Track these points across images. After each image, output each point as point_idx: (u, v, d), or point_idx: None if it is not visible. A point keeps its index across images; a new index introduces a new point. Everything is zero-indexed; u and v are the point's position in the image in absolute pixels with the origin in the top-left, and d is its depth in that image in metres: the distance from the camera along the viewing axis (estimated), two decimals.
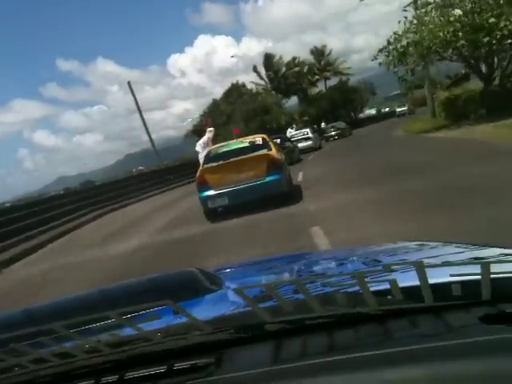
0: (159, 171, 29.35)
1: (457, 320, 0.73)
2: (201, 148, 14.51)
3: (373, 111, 54.92)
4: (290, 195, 9.66)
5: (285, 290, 0.93)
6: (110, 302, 1.10)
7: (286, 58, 61.93)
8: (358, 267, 1.30)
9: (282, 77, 60.24)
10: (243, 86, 56.74)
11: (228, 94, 56.22)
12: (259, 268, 1.67)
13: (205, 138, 14.98)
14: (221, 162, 9.52)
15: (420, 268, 0.69)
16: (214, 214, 9.61)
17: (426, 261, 0.77)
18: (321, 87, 63.75)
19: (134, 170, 30.33)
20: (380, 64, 22.01)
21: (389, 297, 0.77)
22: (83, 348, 0.81)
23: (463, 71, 38.24)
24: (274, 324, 0.80)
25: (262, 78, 60.92)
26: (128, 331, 0.81)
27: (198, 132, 54.71)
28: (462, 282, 0.75)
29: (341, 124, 44.77)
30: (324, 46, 65.03)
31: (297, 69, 60.03)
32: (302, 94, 60.14)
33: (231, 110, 53.24)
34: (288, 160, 14.57)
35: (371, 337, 0.75)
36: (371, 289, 0.75)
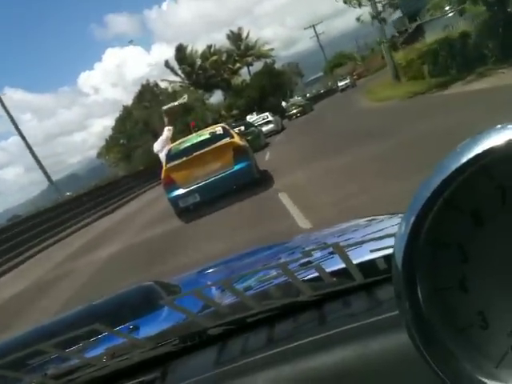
0: (89, 193, 26.26)
1: (386, 294, 0.74)
2: (160, 147, 12.99)
3: (299, 98, 49.97)
4: (259, 182, 9.53)
5: (221, 292, 0.95)
6: (48, 335, 1.08)
7: (201, 49, 54.91)
8: (295, 256, 1.21)
9: (200, 69, 53.33)
10: (156, 85, 49.17)
11: (140, 97, 48.53)
12: (221, 269, 1.65)
13: (163, 137, 13.38)
14: (185, 158, 9.16)
15: (338, 249, 0.72)
16: (186, 212, 9.29)
17: (363, 238, 0.87)
18: (244, 76, 57.14)
19: (59, 197, 27.55)
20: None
21: (322, 282, 0.77)
22: None
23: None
24: (216, 328, 0.82)
25: (177, 73, 53.76)
26: (75, 361, 0.83)
27: (110, 148, 47.22)
28: (386, 257, 0.76)
29: (301, 101, 44.15)
30: (240, 29, 58.65)
31: (214, 57, 53.20)
32: (226, 86, 53.32)
33: (147, 115, 45.75)
34: (256, 145, 17.01)
35: (309, 323, 0.77)
36: (302, 277, 0.79)
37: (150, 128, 44.62)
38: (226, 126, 10.60)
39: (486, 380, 0.46)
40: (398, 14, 52.96)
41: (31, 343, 0.80)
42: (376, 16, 19.58)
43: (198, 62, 54.00)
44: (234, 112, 46.75)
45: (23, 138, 24.42)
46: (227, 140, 9.47)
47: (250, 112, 45.31)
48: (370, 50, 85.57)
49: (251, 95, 50.56)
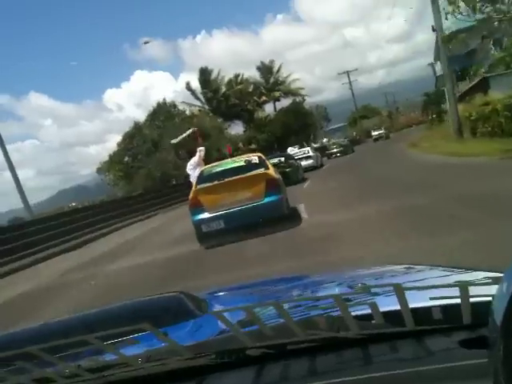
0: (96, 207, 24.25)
1: (437, 344, 0.74)
2: (192, 168, 13.53)
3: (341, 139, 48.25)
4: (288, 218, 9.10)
5: (268, 313, 0.92)
6: (89, 326, 1.10)
7: (228, 76, 51.52)
8: (342, 290, 1.24)
9: (223, 97, 49.77)
10: (174, 106, 45.43)
11: (154, 115, 44.76)
12: (249, 291, 1.65)
13: (195, 158, 13.97)
14: (215, 182, 8.93)
15: (399, 291, 0.71)
16: (208, 238, 8.80)
17: (409, 284, 0.84)
18: (269, 110, 53.59)
19: (67, 206, 28.31)
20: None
21: (371, 321, 0.76)
22: (63, 373, 0.82)
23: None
24: (256, 349, 0.81)
25: (197, 97, 50.21)
26: (110, 356, 0.83)
27: (112, 164, 43.21)
28: (443, 306, 0.77)
29: (343, 140, 44.91)
30: (272, 62, 55.40)
31: (240, 86, 49.69)
32: (248, 118, 49.64)
33: (158, 136, 41.94)
34: (294, 179, 19.48)
35: (352, 362, 0.76)
36: (353, 312, 0.77)
37: (158, 149, 40.77)
38: (263, 156, 10.10)
39: None
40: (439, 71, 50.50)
41: (72, 332, 0.82)
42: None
43: (223, 89, 50.56)
44: (253, 146, 42.83)
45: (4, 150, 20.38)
46: (261, 170, 9.18)
47: (270, 149, 41.53)
48: (395, 109, 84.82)
49: (273, 131, 46.83)
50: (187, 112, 45.80)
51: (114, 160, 43.29)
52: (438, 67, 65.99)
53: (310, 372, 0.75)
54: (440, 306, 0.76)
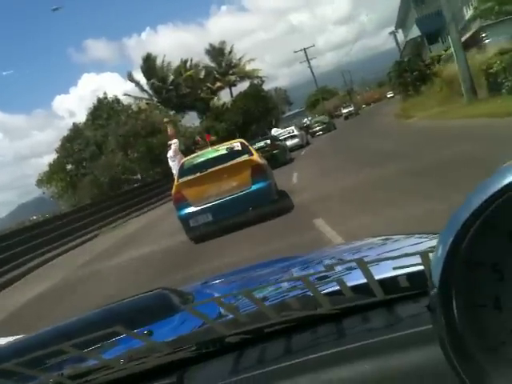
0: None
1: (406, 311, 0.77)
2: (171, 160, 13.17)
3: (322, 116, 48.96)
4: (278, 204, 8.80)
5: (245, 301, 0.94)
6: (68, 335, 1.09)
7: (176, 63, 46.36)
8: (317, 269, 1.28)
9: (172, 86, 44.63)
10: (117, 101, 40.07)
11: (94, 114, 39.36)
12: (235, 279, 1.69)
13: (171, 152, 13.59)
14: (198, 174, 8.62)
15: (361, 265, 0.73)
16: (198, 233, 8.57)
17: (384, 255, 0.89)
18: (226, 97, 48.70)
19: (29, 219, 25.23)
20: None
21: (342, 296, 0.79)
22: (46, 383, 0.84)
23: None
24: (234, 336, 0.84)
25: (143, 89, 44.92)
26: (92, 362, 0.85)
27: (53, 174, 37.61)
28: (409, 274, 0.79)
29: (325, 118, 44.96)
30: (223, 43, 50.43)
31: (190, 72, 44.63)
32: (203, 108, 44.69)
33: (102, 136, 36.72)
34: (282, 160, 19.53)
35: (327, 337, 0.78)
36: (323, 291, 0.82)
37: (103, 151, 35.55)
38: (245, 142, 9.89)
39: None
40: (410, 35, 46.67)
41: (50, 342, 0.82)
42: None
43: (171, 77, 45.46)
44: (213, 138, 37.99)
45: None
46: (245, 157, 8.91)
47: (232, 139, 36.73)
48: (351, 89, 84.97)
49: (233, 119, 42.04)
50: (133, 107, 40.53)
51: (54, 170, 37.78)
52: (401, 35, 62.92)
53: (286, 352, 0.77)
54: (406, 274, 0.77)
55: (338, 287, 0.80)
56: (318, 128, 41.17)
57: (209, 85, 47.21)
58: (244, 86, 48.98)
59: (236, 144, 9.62)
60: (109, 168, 33.07)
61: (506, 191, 0.43)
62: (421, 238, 1.29)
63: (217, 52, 49.76)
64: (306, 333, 0.82)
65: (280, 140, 24.15)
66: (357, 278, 0.79)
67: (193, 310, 0.81)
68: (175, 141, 14.52)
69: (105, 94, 40.22)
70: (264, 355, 0.80)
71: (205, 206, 8.41)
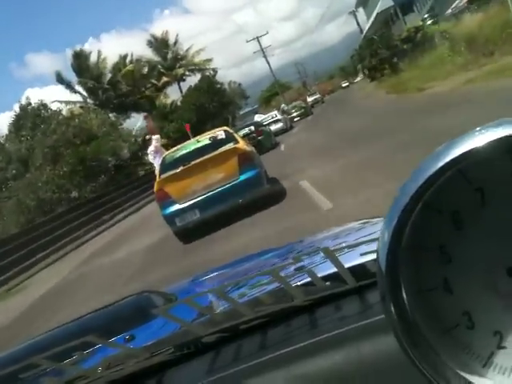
0: None
1: (377, 297, 0.73)
2: (152, 156, 12.44)
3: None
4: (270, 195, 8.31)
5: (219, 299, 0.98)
6: (42, 348, 1.08)
7: (108, 54, 39.96)
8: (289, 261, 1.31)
9: (110, 85, 38.16)
10: (44, 107, 33.41)
11: (17, 125, 32.69)
12: (213, 277, 1.68)
13: (152, 147, 12.73)
14: (181, 168, 8.10)
15: (328, 253, 0.74)
16: (186, 232, 8.15)
17: (360, 240, 0.90)
18: (174, 94, 42.51)
19: None
20: None
21: (314, 287, 0.80)
22: None
23: None
24: (210, 336, 0.85)
25: (76, 91, 38.29)
26: (70, 372, 0.85)
27: None
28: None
29: (301, 103, 45.22)
30: (166, 33, 44.23)
31: (130, 67, 38.27)
32: (148, 107, 38.41)
33: (27, 150, 30.14)
34: (268, 145, 19.74)
35: (301, 328, 0.79)
36: (294, 282, 0.84)
37: (30, 168, 28.95)
38: (229, 130, 9.57)
39: (473, 379, 0.47)
40: (379, 7, 41.88)
41: (25, 357, 0.81)
42: None
43: (108, 75, 39.02)
44: (163, 141, 31.85)
45: None
46: (231, 145, 8.35)
47: (184, 139, 30.73)
48: (303, 82, 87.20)
49: (184, 118, 35.93)
50: (64, 112, 33.99)
51: None
52: (361, 14, 58.40)
53: (262, 347, 0.78)
54: (374, 259, 0.72)
55: (307, 278, 0.81)
56: (295, 113, 40.12)
57: (153, 81, 41.06)
58: (195, 80, 43.10)
59: (220, 132, 9.13)
60: (35, 187, 26.45)
61: (442, 173, 0.43)
62: None
63: (160, 44, 43.60)
64: (280, 326, 0.82)
65: (264, 125, 23.84)
66: (328, 268, 0.79)
67: (167, 314, 0.81)
68: (157, 136, 13.26)
69: (27, 99, 33.48)
70: (240, 352, 0.80)
71: (191, 202, 7.95)
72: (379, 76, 37.36)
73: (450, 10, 23.82)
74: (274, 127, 27.18)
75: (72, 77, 38.66)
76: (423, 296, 0.48)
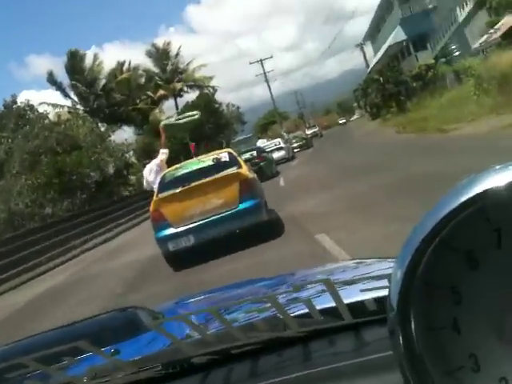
0: None
1: (373, 335, 0.77)
2: (154, 174, 9.68)
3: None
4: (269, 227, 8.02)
5: (214, 321, 0.97)
6: (30, 350, 1.11)
7: (109, 65, 38.11)
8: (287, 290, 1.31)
9: (103, 91, 36.24)
10: (30, 108, 31.41)
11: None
12: (207, 299, 1.70)
13: (157, 161, 9.95)
14: (180, 189, 7.79)
15: (329, 286, 0.74)
16: (177, 258, 7.80)
17: (358, 277, 0.89)
18: (169, 110, 40.66)
19: None
20: None
21: (310, 318, 0.80)
22: None
23: None
24: (201, 357, 0.84)
25: (66, 94, 36.31)
26: (57, 378, 0.85)
27: None
28: (377, 298, 0.79)
29: (302, 134, 45.90)
30: (168, 44, 42.56)
31: (126, 75, 36.43)
32: (141, 120, 36.49)
33: (6, 153, 28.01)
34: (268, 173, 19.69)
35: (293, 359, 0.79)
36: (291, 312, 0.83)
37: (7, 174, 26.65)
38: (234, 152, 9.09)
39: None
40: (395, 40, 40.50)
41: (12, 358, 0.81)
42: None
43: (102, 81, 37.14)
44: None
45: None
46: (233, 170, 8.03)
47: (176, 160, 28.66)
48: (301, 114, 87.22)
49: (177, 137, 33.90)
50: (51, 116, 31.98)
51: None
52: (369, 49, 57.21)
53: (252, 374, 0.78)
54: (374, 297, 0.77)
55: (304, 309, 0.80)
56: (296, 144, 39.19)
57: (149, 93, 39.19)
58: (192, 97, 41.33)
59: (223, 154, 8.75)
60: (7, 197, 24.13)
61: (461, 210, 0.42)
62: (393, 261, 1.18)
63: (160, 54, 41.88)
64: (272, 355, 0.82)
65: (266, 152, 23.56)
66: (326, 301, 0.79)
67: (160, 328, 0.81)
68: (166, 150, 11.08)
69: (13, 96, 31.41)
70: (230, 377, 0.79)
71: (186, 228, 7.57)
72: (384, 113, 35.85)
73: (477, 45, 22.08)
74: (276, 155, 26.84)
75: (66, 79, 36.80)
76: (432, 334, 0.47)
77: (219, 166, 8.23)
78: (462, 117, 16.24)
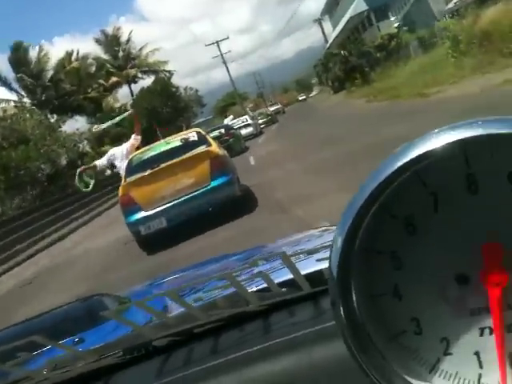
0: None
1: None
2: (120, 159, 9.26)
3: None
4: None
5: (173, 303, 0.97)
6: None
7: (59, 57, 35.76)
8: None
9: (51, 83, 33.98)
10: None
11: None
12: (171, 280, 1.67)
13: (127, 146, 9.46)
14: (149, 172, 7.57)
15: (285, 259, 0.74)
16: (149, 241, 7.59)
17: (317, 246, 0.91)
18: (124, 98, 38.63)
19: None
20: None
21: (269, 292, 0.80)
22: None
23: None
24: (162, 339, 0.84)
25: (12, 88, 33.98)
26: (16, 374, 0.85)
27: None
28: None
29: (267, 110, 45.85)
30: (118, 30, 40.40)
31: (75, 64, 34.24)
32: (94, 109, 34.41)
33: None
34: (238, 149, 19.46)
35: (254, 333, 0.80)
36: (249, 287, 0.83)
37: None
38: (202, 132, 8.95)
39: None
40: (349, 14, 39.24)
41: None
42: None
43: (49, 72, 34.82)
44: (107, 148, 27.94)
45: None
46: (203, 148, 7.88)
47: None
48: (261, 94, 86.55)
49: (133, 123, 32.05)
50: None
51: None
52: (327, 24, 56.05)
53: (213, 352, 0.78)
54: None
55: (263, 284, 0.81)
56: (261, 120, 38.49)
57: (101, 81, 37.01)
58: (148, 82, 39.37)
59: (191, 134, 8.64)
60: None
61: (398, 175, 0.43)
62: None
63: (111, 41, 39.70)
64: (234, 331, 0.82)
65: (234, 129, 23.80)
66: (285, 273, 0.79)
67: (118, 317, 0.80)
68: (138, 137, 10.62)
69: None
70: (191, 356, 0.79)
71: (158, 210, 7.43)
72: (349, 86, 34.72)
73: (451, 5, 20.79)
74: (244, 131, 27.15)
75: (11, 74, 34.36)
76: (373, 301, 0.48)
77: (188, 145, 8.04)
78: (442, 80, 15.19)
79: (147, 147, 8.97)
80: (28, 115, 27.58)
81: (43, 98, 33.91)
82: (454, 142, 0.41)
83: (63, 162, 24.90)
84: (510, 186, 0.43)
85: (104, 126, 13.08)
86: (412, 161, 0.42)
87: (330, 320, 0.63)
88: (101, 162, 9.98)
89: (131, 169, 8.01)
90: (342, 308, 0.47)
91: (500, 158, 0.42)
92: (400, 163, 0.42)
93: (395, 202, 0.45)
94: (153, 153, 8.27)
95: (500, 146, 0.41)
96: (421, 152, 0.41)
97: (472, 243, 0.45)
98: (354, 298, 0.47)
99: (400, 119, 11.05)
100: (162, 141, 8.99)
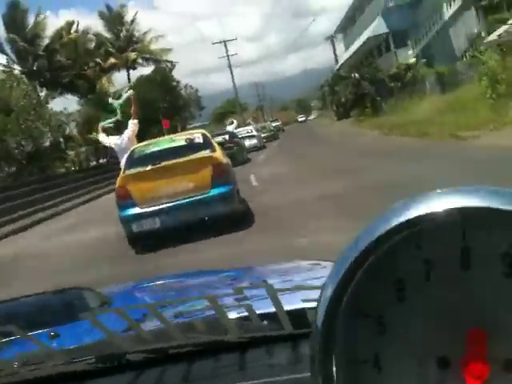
0: None
1: None
2: (122, 147, 9.34)
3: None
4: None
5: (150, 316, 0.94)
6: None
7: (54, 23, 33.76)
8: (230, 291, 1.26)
9: (46, 52, 31.91)
10: None
11: None
12: (156, 287, 1.63)
13: (128, 134, 9.70)
14: (150, 167, 7.40)
15: (271, 292, 0.72)
16: (141, 240, 7.40)
17: (306, 284, 0.90)
18: (121, 81, 36.65)
19: None
20: None
21: (249, 323, 0.79)
22: None
23: None
24: (136, 353, 0.83)
25: (3, 50, 31.83)
26: None
27: None
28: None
29: (270, 125, 44.57)
30: (123, 7, 38.46)
31: (74, 36, 32.21)
32: (86, 90, 32.42)
33: None
34: (240, 160, 18.29)
35: (228, 368, 0.78)
36: (231, 314, 0.81)
37: None
38: (208, 134, 8.67)
39: None
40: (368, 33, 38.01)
41: None
42: None
43: (45, 40, 32.76)
44: (94, 135, 26.03)
45: None
46: (207, 153, 7.70)
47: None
48: (261, 107, 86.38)
49: (126, 112, 30.09)
50: None
51: None
52: (340, 43, 54.81)
53: (186, 379, 0.77)
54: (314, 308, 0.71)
55: (244, 313, 0.78)
56: (263, 135, 36.79)
57: (98, 60, 34.95)
58: (147, 70, 37.52)
59: (197, 135, 8.43)
60: None
61: (391, 236, 0.41)
62: None
63: (114, 18, 37.69)
64: (209, 360, 0.80)
65: (239, 138, 23.18)
66: (268, 305, 0.76)
67: (95, 321, 0.78)
68: (135, 121, 10.31)
69: None
70: (162, 379, 0.78)
71: (153, 209, 7.24)
72: (357, 114, 33.32)
73: (494, 37, 18.85)
74: (248, 142, 26.29)
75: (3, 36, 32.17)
76: (353, 368, 0.45)
77: (192, 146, 7.91)
78: (477, 124, 13.51)
79: (151, 141, 8.90)
80: (15, 84, 25.63)
81: (34, 68, 31.80)
82: (452, 209, 0.38)
83: (46, 142, 23.05)
84: (502, 267, 0.40)
85: (111, 120, 11.82)
86: (409, 222, 0.40)
87: (308, 370, 0.58)
88: (103, 140, 10.35)
89: (132, 161, 7.88)
90: (319, 366, 0.45)
91: (497, 234, 0.40)
92: (393, 225, 0.40)
93: (385, 264, 0.42)
94: (156, 148, 8.14)
95: (498, 222, 0.39)
96: (418, 214, 0.39)
97: (458, 325, 0.42)
98: (334, 359, 0.44)
99: (448, 164, 9.54)
100: (167, 137, 8.84)
